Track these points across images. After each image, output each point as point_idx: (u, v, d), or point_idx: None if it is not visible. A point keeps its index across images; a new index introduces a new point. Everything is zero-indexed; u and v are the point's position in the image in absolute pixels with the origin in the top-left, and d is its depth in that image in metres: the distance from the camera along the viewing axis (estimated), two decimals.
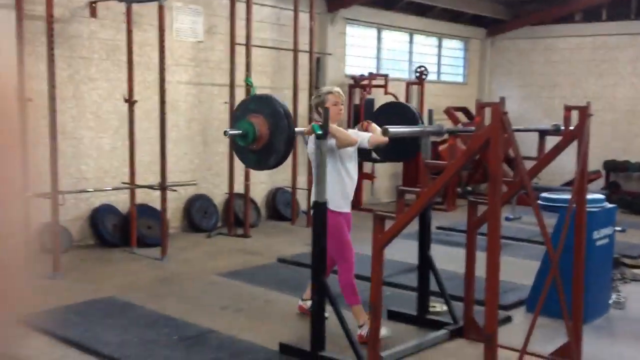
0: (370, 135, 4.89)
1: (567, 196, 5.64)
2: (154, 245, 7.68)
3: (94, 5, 7.75)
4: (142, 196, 8.01)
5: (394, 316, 5.45)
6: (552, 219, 5.72)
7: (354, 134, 4.93)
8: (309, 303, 5.17)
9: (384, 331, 4.77)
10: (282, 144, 4.40)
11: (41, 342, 4.83)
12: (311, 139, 4.89)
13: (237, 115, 4.64)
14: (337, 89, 5.10)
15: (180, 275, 6.79)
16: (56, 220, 6.53)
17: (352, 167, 5.02)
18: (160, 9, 7.21)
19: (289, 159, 9.45)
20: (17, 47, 6.54)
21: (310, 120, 6.45)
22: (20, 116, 0.79)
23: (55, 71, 6.50)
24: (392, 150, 5.35)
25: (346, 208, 5.01)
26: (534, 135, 6.72)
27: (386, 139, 4.85)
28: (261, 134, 4.44)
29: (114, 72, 8.03)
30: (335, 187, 4.84)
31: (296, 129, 4.60)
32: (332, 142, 4.76)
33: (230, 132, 4.54)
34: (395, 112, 5.68)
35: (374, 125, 5.04)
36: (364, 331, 4.82)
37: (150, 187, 7.53)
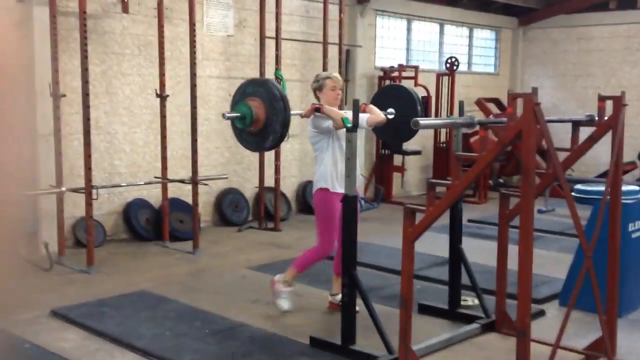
0: (368, 115, 5.06)
1: (602, 188, 5.56)
2: (185, 239, 7.75)
3: (125, 0, 7.82)
4: (174, 190, 8.09)
5: (425, 310, 5.42)
6: (586, 211, 5.64)
7: None
8: (338, 298, 5.18)
9: (284, 304, 5.25)
10: (279, 126, 4.52)
11: (75, 335, 4.91)
12: (309, 122, 5.01)
13: (236, 98, 4.73)
14: (336, 74, 5.30)
15: (212, 269, 6.84)
16: (90, 214, 6.62)
17: None
18: (191, 3, 7.26)
19: None
20: (51, 43, 6.65)
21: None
22: (20, 106, 0.77)
23: (88, 67, 6.57)
24: (390, 133, 5.79)
25: (341, 189, 5.01)
26: (567, 126, 6.58)
27: (384, 118, 5.15)
28: (258, 116, 4.54)
29: (146, 67, 8.10)
30: (329, 168, 5.01)
31: (293, 112, 4.70)
32: (328, 123, 4.89)
33: (229, 115, 4.63)
34: (393, 95, 6.06)
35: (371, 106, 5.24)
36: (278, 278, 5.37)
37: (182, 181, 7.59)
